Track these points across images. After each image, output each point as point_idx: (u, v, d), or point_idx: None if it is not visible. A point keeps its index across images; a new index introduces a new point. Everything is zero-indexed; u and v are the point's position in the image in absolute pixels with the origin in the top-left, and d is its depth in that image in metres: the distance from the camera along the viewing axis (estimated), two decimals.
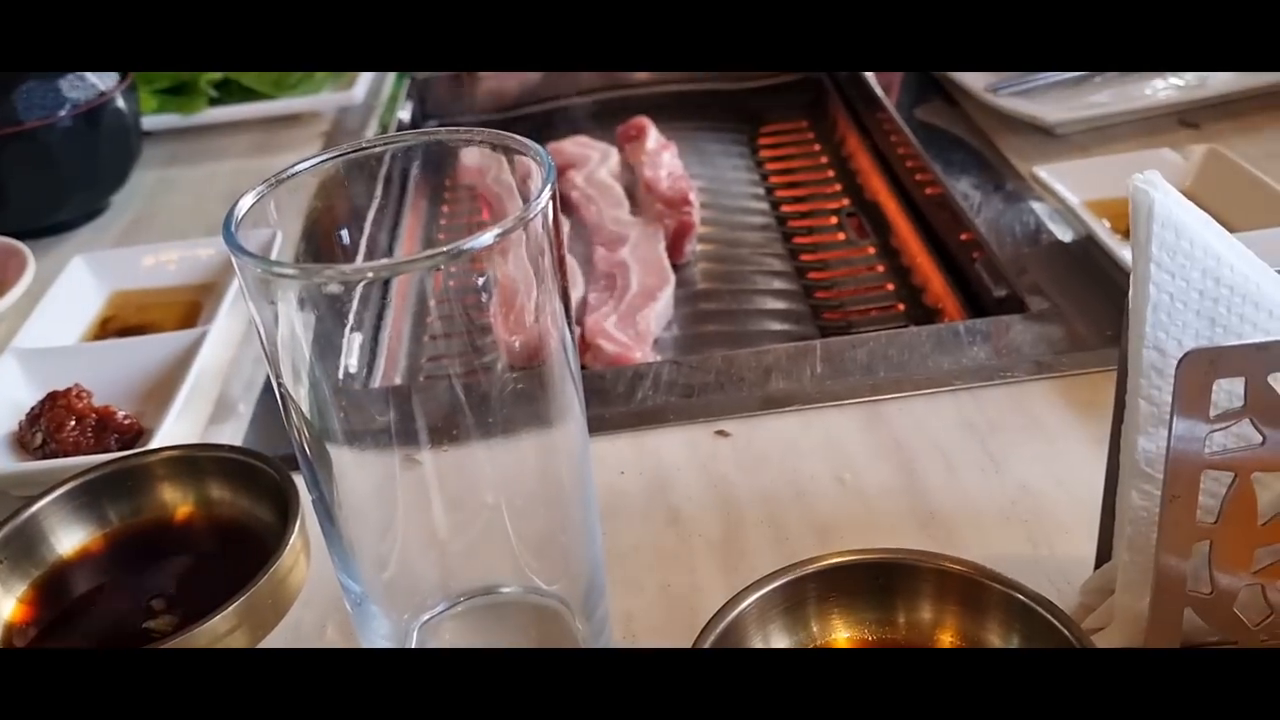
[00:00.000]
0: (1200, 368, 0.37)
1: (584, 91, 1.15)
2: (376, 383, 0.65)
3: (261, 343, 0.36)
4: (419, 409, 0.40)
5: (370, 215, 0.72)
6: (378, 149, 0.39)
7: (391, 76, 1.17)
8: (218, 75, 1.07)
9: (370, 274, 0.32)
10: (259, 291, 0.34)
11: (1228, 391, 0.38)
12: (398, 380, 0.68)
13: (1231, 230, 0.67)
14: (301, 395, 0.38)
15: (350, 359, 0.42)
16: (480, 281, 0.36)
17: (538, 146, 0.36)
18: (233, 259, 0.34)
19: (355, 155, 0.40)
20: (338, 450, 0.40)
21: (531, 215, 0.34)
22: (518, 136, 0.38)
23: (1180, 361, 0.37)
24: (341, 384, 0.40)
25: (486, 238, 0.33)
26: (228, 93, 1.08)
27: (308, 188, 0.41)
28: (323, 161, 0.38)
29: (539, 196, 0.34)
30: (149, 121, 1.02)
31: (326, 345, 0.38)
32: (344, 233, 0.46)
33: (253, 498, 0.50)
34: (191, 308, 0.76)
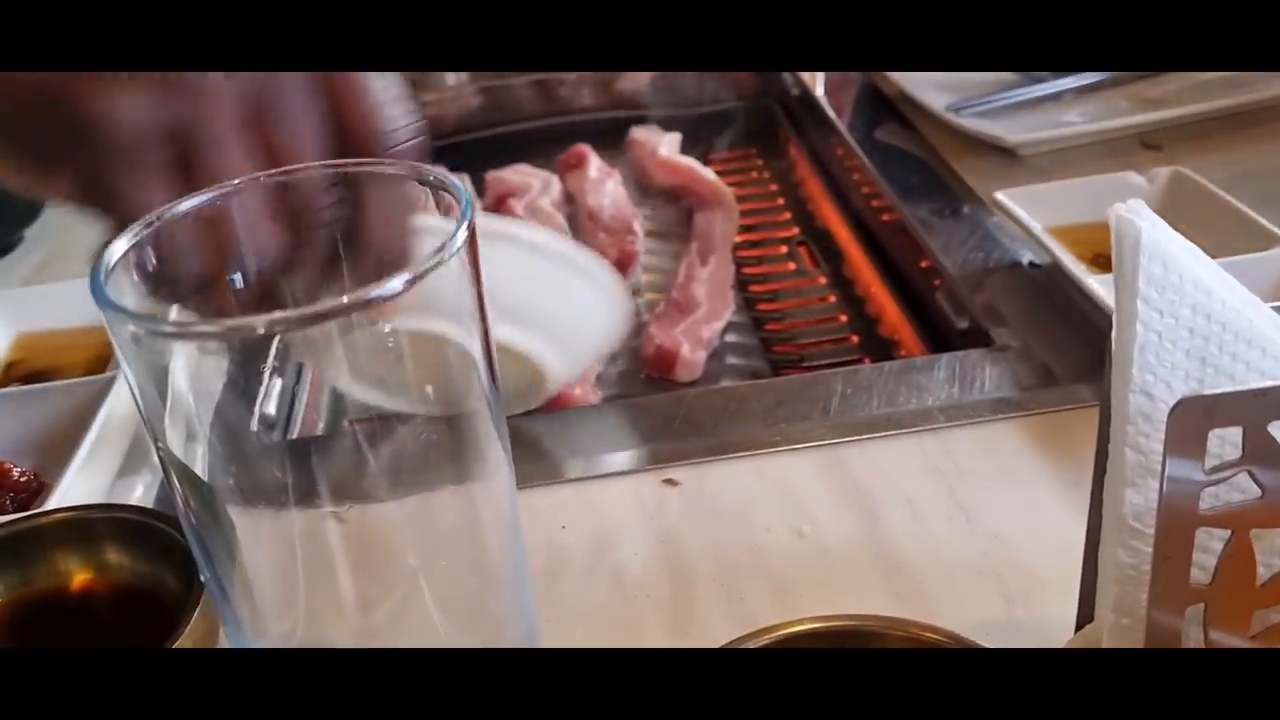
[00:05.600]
0: (1195, 416, 0.33)
1: (526, 118, 1.12)
2: (282, 437, 0.60)
3: (136, 403, 0.31)
4: (326, 466, 0.36)
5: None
6: (279, 179, 0.35)
7: None
8: None
9: (260, 329, 0.27)
10: (132, 350, 0.30)
11: (1219, 438, 0.35)
12: (297, 434, 0.63)
13: None
14: (188, 455, 0.33)
15: (252, 412, 0.37)
16: (390, 329, 0.31)
17: (455, 181, 0.32)
18: (101, 315, 0.29)
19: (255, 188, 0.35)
20: (235, 514, 0.36)
21: (447, 257, 0.30)
22: (438, 170, 0.34)
23: (1173, 409, 0.33)
24: (236, 441, 0.36)
25: (396, 284, 0.29)
26: None
27: None
28: (213, 198, 0.34)
29: (454, 237, 0.30)
30: None
31: (215, 401, 0.33)
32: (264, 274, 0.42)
33: (155, 562, 0.46)
34: (106, 349, 0.71)
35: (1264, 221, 0.64)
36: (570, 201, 0.94)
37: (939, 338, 0.72)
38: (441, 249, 0.29)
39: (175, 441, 0.33)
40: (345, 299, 0.27)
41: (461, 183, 0.98)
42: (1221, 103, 0.84)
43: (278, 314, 0.27)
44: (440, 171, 0.33)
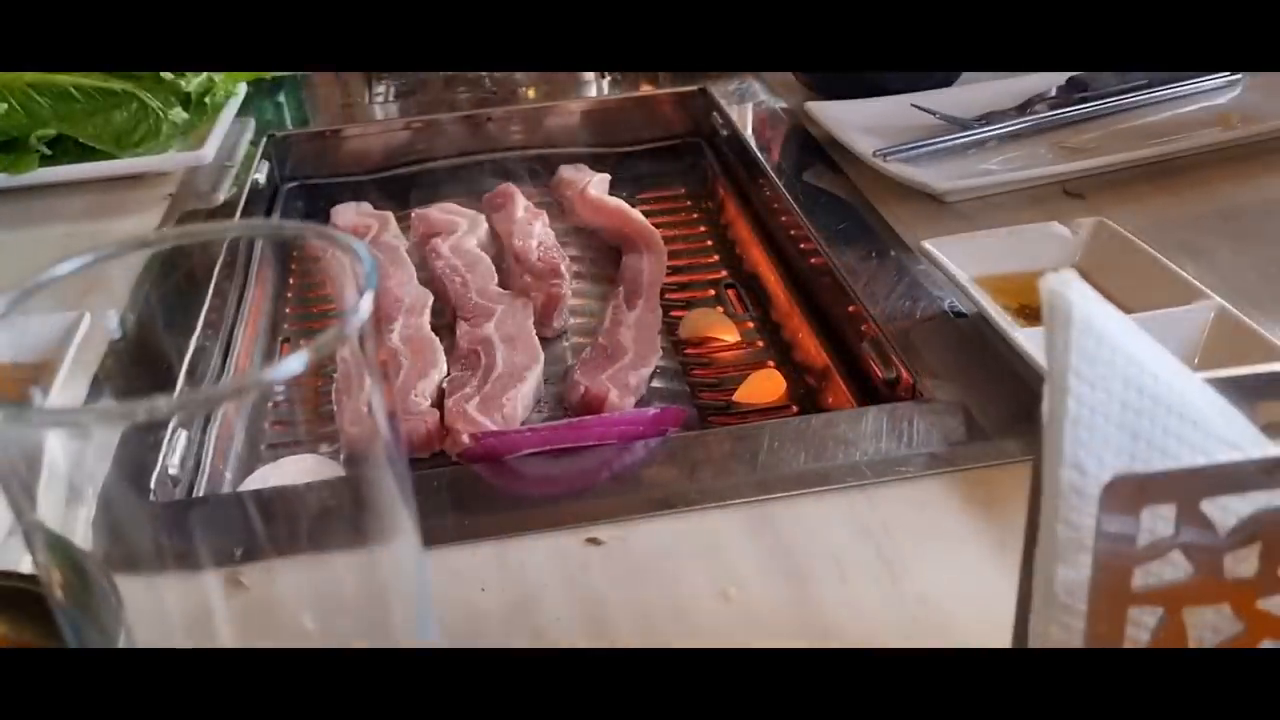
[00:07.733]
0: (1128, 493, 0.33)
1: (453, 154, 1.10)
2: (185, 495, 0.57)
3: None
4: (222, 530, 0.34)
5: (209, 293, 0.65)
6: (172, 244, 0.33)
7: (247, 135, 1.10)
8: (51, 130, 0.99)
9: (142, 416, 0.25)
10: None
11: (1152, 513, 0.34)
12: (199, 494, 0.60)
13: (1123, 309, 0.64)
14: (67, 526, 0.31)
15: (146, 479, 0.35)
16: (282, 390, 0.30)
17: (362, 250, 0.30)
18: None
19: (151, 249, 0.33)
20: (124, 583, 0.34)
21: (349, 332, 0.28)
22: (341, 235, 0.32)
23: (1106, 488, 0.32)
24: (128, 507, 0.33)
25: (295, 365, 0.27)
26: (62, 150, 1.00)
27: (131, 267, 0.35)
28: (101, 259, 0.31)
29: (358, 310, 0.28)
30: None
31: (106, 466, 0.31)
32: (174, 314, 0.40)
33: (45, 635, 0.44)
34: (11, 391, 0.68)
35: (1185, 274, 0.64)
36: (498, 242, 0.93)
37: (866, 385, 0.71)
38: (344, 323, 0.28)
39: (51, 512, 0.31)
40: (240, 382, 0.26)
41: (383, 223, 0.95)
42: (1140, 153, 0.85)
43: (163, 400, 0.25)
44: (348, 240, 0.31)
